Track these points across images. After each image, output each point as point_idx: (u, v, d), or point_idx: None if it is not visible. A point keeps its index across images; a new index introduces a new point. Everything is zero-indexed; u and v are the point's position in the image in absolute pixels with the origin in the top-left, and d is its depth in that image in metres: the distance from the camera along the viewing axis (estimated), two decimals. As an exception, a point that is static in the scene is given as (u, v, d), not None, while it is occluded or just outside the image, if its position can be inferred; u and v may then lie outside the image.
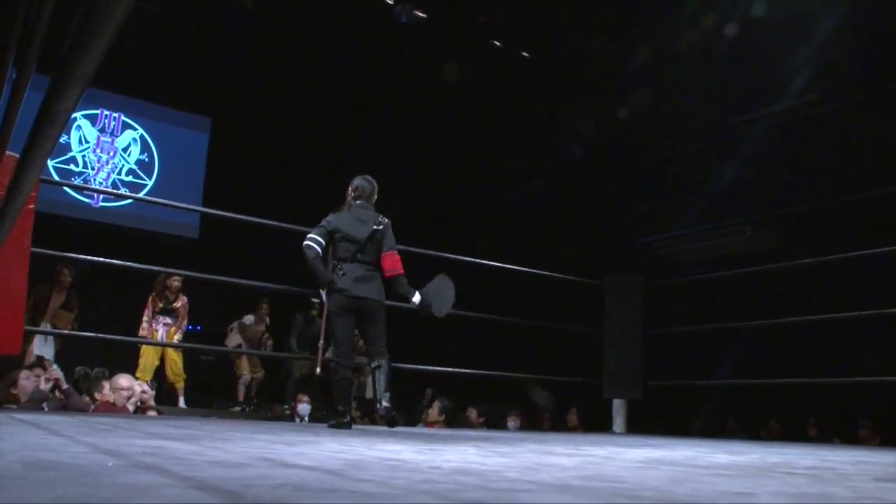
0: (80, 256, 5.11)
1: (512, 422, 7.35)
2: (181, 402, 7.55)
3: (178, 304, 7.58)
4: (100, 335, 5.62)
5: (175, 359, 7.52)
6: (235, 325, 8.66)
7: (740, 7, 6.97)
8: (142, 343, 7.41)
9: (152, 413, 5.98)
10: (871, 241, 5.28)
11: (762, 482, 1.63)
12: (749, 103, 7.94)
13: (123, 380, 5.91)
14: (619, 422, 6.05)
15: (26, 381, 5.18)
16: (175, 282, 7.48)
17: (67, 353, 7.93)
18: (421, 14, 7.53)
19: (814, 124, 7.55)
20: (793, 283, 7.28)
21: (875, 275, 6.41)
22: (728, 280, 7.40)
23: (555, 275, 6.40)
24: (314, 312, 9.11)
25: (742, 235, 7.73)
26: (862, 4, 6.45)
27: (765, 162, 7.73)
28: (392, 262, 4.41)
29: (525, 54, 8.39)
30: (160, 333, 7.43)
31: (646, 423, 6.30)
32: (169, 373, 7.50)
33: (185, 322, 7.71)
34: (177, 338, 7.52)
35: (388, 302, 4.52)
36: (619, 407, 6.08)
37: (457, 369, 5.87)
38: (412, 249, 5.35)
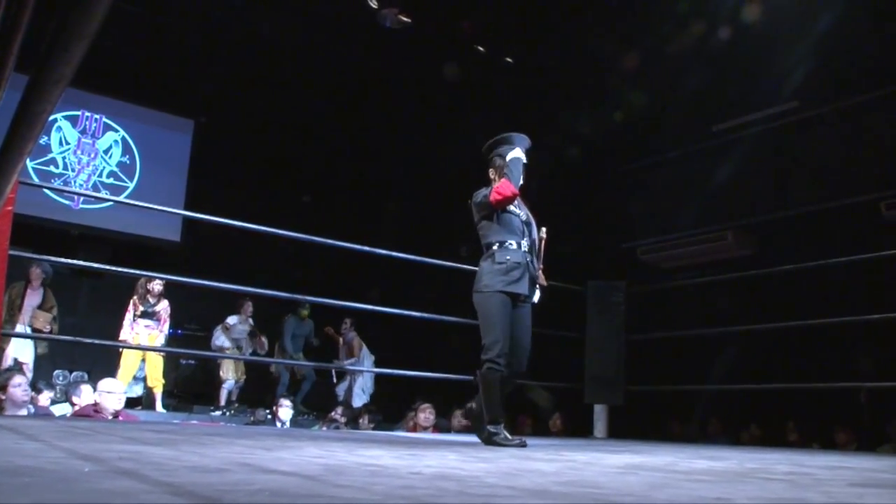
0: (60, 259, 5.07)
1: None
2: (158, 407, 7.49)
3: (159, 308, 7.52)
4: (80, 339, 5.57)
5: (155, 364, 7.46)
6: (219, 327, 8.61)
7: (719, 16, 7.04)
8: (122, 347, 7.36)
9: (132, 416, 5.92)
10: (850, 247, 5.35)
11: (740, 487, 1.64)
12: (731, 111, 8.01)
13: (110, 383, 5.84)
14: (600, 427, 6.07)
15: (16, 390, 5.07)
16: (157, 285, 7.44)
17: (47, 355, 7.85)
18: (405, 19, 7.53)
19: (794, 132, 7.63)
20: (773, 289, 7.35)
21: (853, 282, 6.48)
22: (709, 286, 7.46)
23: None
24: (305, 313, 9.11)
25: (723, 241, 7.79)
26: (842, 15, 6.53)
27: (746, 169, 7.79)
28: None
29: (508, 60, 8.41)
30: (141, 337, 7.38)
31: (627, 428, 6.32)
32: (148, 377, 7.44)
33: (167, 326, 7.65)
34: (159, 342, 7.46)
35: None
36: (600, 412, 6.09)
37: (441, 374, 5.86)
38: (395, 254, 5.35)
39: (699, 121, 8.21)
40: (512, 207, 3.78)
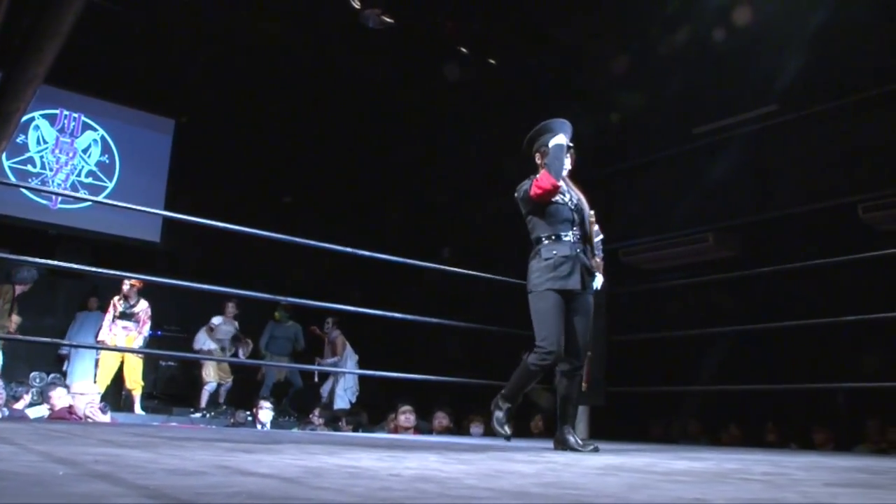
0: (38, 260, 5.02)
1: (476, 427, 7.36)
2: (137, 409, 7.43)
3: (137, 309, 7.45)
4: (57, 341, 5.52)
5: (134, 366, 7.39)
6: (203, 329, 8.57)
7: (701, 19, 7.09)
8: (100, 349, 7.30)
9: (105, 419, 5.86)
10: (829, 250, 5.39)
11: (717, 488, 1.65)
12: (711, 113, 8.06)
13: (83, 385, 5.80)
14: (581, 428, 6.08)
15: None
16: (125, 285, 7.36)
17: (21, 358, 7.78)
18: (388, 19, 7.51)
19: (774, 135, 7.69)
20: (754, 291, 7.41)
21: (832, 283, 6.55)
22: (690, 287, 7.51)
23: (519, 282, 6.41)
24: (277, 315, 9.10)
25: (704, 243, 7.84)
26: (822, 21, 6.60)
27: (727, 171, 7.85)
28: None
29: (491, 61, 8.42)
30: (118, 339, 7.31)
31: (608, 429, 6.34)
32: (127, 379, 7.38)
33: (147, 327, 7.58)
34: (137, 343, 7.38)
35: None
36: (581, 413, 6.11)
37: (423, 376, 5.85)
38: (376, 255, 5.33)
39: (680, 123, 8.26)
40: (558, 196, 3.58)
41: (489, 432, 7.27)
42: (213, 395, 8.46)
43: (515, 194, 3.70)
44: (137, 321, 7.44)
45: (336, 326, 9.21)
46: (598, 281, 3.64)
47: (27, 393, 5.96)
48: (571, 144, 3.68)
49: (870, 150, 6.94)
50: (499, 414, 3.50)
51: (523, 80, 8.62)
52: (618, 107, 8.19)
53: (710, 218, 7.93)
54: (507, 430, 3.49)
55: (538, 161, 3.71)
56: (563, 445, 3.53)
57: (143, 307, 7.49)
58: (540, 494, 1.41)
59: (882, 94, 6.82)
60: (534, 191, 3.53)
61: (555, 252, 3.51)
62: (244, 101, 9.65)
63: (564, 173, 3.67)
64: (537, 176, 3.62)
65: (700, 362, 7.36)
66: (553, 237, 3.54)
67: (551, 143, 3.61)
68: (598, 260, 3.66)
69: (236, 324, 8.69)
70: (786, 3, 6.71)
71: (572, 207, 3.60)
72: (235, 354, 8.60)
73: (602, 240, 3.73)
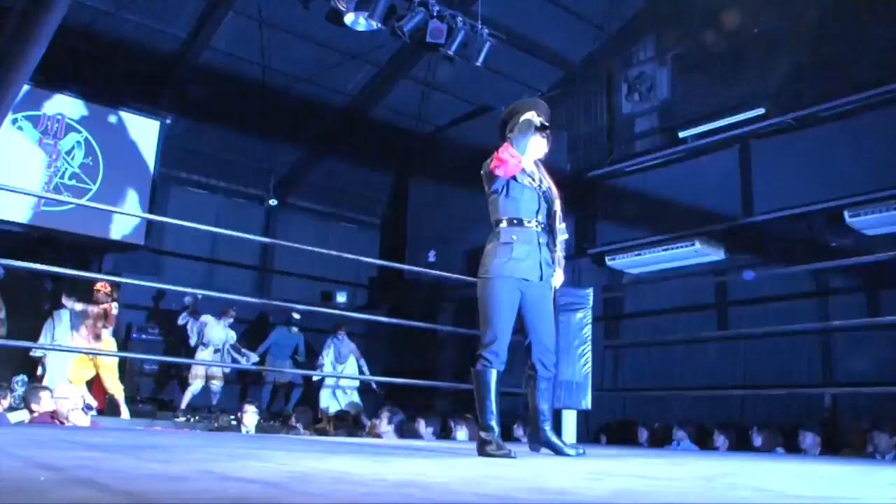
0: (20, 263, 4.96)
1: (462, 432, 7.34)
2: (123, 413, 7.36)
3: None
4: (40, 346, 5.47)
5: (109, 368, 7.30)
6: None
7: (688, 23, 7.13)
8: (85, 353, 7.24)
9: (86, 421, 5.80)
10: (815, 254, 5.44)
11: (704, 493, 1.65)
12: (697, 118, 8.10)
13: (66, 389, 5.74)
14: (568, 432, 6.09)
15: None
16: (100, 286, 7.30)
17: (1, 361, 7.71)
18: (374, 23, 7.50)
19: (761, 139, 7.74)
20: (741, 295, 7.44)
21: (819, 287, 6.60)
22: (677, 291, 7.54)
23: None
24: (295, 329, 9.10)
25: (691, 248, 7.87)
26: (810, 27, 6.65)
27: (713, 175, 7.88)
28: None
29: (477, 64, 8.41)
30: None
31: (596, 434, 6.36)
32: (105, 385, 7.31)
33: (99, 330, 7.40)
34: (98, 346, 7.27)
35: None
36: (568, 417, 6.11)
37: (405, 380, 5.84)
38: (362, 259, 5.32)
39: (666, 128, 8.29)
40: (527, 180, 3.30)
41: (475, 437, 7.26)
42: (197, 398, 8.38)
43: (481, 171, 3.37)
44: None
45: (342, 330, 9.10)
46: (559, 279, 3.40)
47: (5, 398, 5.89)
48: (547, 124, 3.36)
49: (856, 154, 7.00)
50: (490, 447, 3.09)
51: (510, 80, 8.63)
52: (605, 109, 8.21)
53: (697, 222, 7.97)
54: (505, 449, 3.08)
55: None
56: (540, 446, 3.41)
57: (98, 309, 7.41)
58: (525, 500, 1.41)
59: (868, 99, 6.88)
60: (493, 163, 3.20)
61: (515, 237, 3.23)
62: (230, 104, 9.61)
63: (541, 155, 3.42)
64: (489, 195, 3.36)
65: (687, 366, 7.39)
66: (515, 221, 3.26)
67: (520, 120, 3.35)
68: (560, 254, 3.39)
69: (232, 333, 8.58)
70: (773, 10, 6.76)
71: (540, 194, 3.33)
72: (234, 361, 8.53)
73: (566, 240, 3.49)
